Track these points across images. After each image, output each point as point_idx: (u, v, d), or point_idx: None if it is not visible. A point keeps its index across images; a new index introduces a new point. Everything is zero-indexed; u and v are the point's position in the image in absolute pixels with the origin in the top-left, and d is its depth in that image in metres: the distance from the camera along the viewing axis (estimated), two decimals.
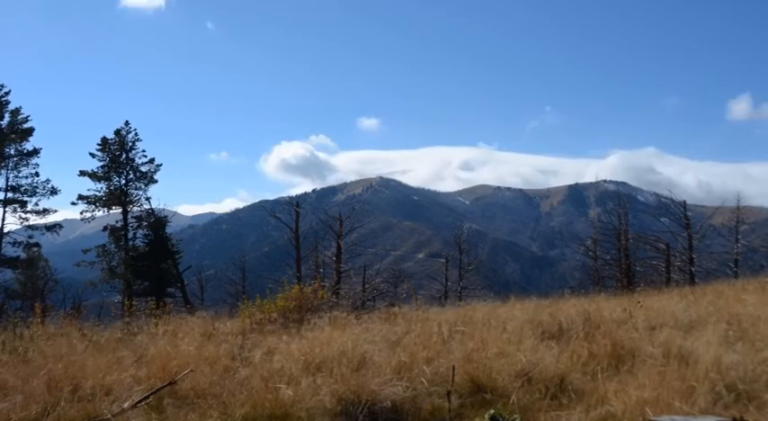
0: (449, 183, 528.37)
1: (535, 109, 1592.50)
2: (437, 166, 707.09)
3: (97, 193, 34.48)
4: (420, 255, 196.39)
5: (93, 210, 34.40)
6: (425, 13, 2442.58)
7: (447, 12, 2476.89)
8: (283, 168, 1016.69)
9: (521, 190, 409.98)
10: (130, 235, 34.63)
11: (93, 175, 34.39)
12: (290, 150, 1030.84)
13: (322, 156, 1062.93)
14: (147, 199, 35.14)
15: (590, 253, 33.91)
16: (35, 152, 34.23)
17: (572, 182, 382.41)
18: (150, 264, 33.45)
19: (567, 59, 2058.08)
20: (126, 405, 6.51)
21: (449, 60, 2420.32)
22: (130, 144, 35.02)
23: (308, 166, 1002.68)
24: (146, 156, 35.38)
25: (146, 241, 34.70)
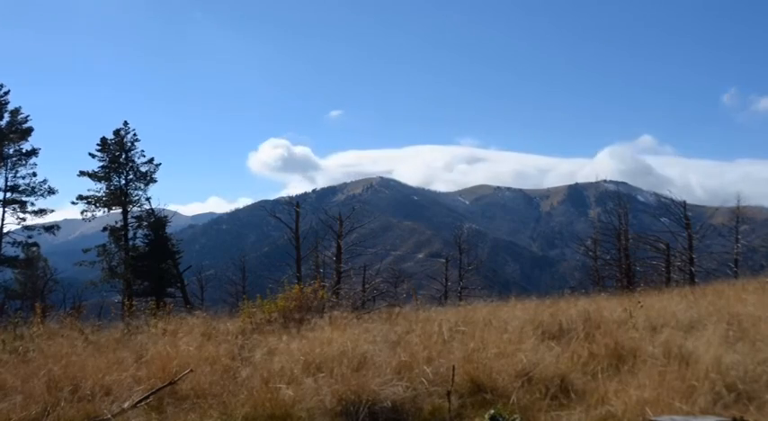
0: (438, 184, 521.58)
1: (520, 106, 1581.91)
2: (423, 166, 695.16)
3: (97, 193, 34.51)
4: (420, 255, 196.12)
5: (94, 211, 34.47)
6: (403, 7, 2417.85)
7: (428, 6, 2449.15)
8: (266, 167, 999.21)
9: (521, 190, 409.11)
10: (130, 235, 34.65)
11: (93, 175, 34.41)
12: (271, 149, 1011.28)
13: (301, 151, 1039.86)
14: (147, 199, 35.23)
15: (590, 253, 33.88)
16: (33, 152, 34.29)
17: (568, 180, 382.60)
18: (150, 264, 33.49)
19: (561, 59, 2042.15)
20: (126, 405, 6.52)
21: (426, 57, 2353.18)
22: (129, 144, 35.07)
23: (290, 165, 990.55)
24: (144, 156, 35.49)
25: (146, 241, 34.75)
